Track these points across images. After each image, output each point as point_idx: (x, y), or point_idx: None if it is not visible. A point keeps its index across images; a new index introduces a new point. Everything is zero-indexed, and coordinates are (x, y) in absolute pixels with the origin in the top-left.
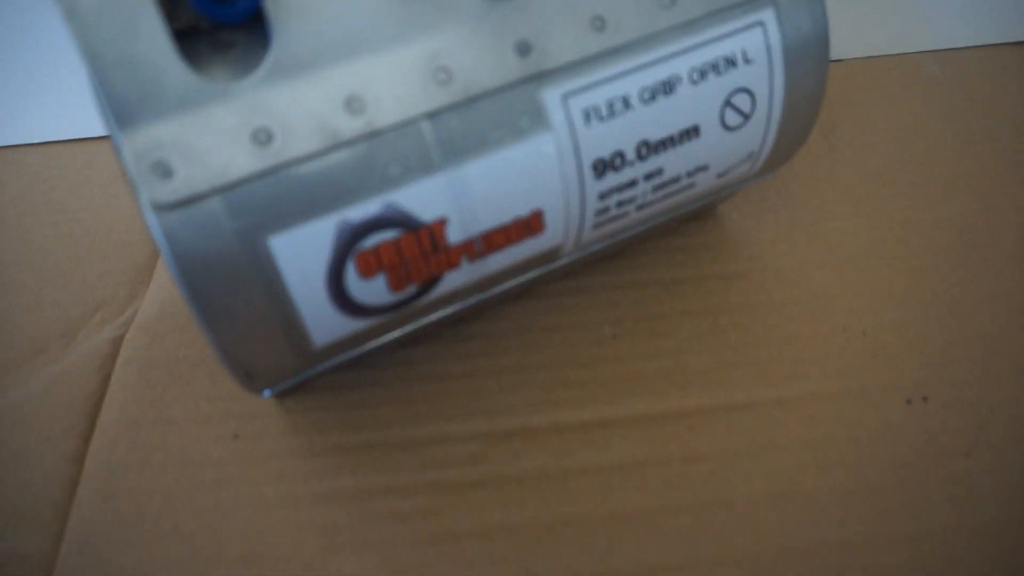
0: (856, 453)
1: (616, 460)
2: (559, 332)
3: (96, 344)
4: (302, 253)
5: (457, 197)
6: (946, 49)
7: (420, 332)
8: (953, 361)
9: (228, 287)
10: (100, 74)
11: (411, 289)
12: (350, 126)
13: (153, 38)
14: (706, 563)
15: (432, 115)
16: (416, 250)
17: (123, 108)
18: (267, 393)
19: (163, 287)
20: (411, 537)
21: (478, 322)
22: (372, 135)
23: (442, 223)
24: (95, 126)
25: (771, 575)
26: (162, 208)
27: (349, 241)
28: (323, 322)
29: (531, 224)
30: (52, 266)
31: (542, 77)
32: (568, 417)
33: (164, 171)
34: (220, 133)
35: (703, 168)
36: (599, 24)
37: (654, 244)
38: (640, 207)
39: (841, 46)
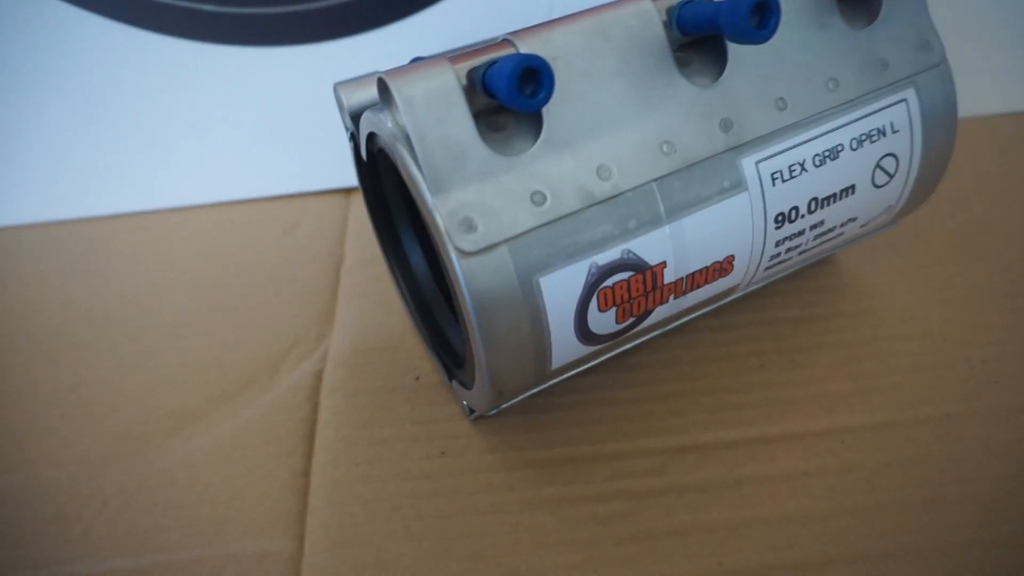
0: (992, 465)
1: (782, 470)
2: (712, 363)
3: (300, 377)
4: (561, 290)
5: (675, 245)
6: (1021, 112)
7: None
8: None
9: (506, 318)
10: (424, 152)
11: (630, 320)
12: (601, 189)
13: (462, 123)
14: (875, 557)
15: (660, 180)
16: (641, 288)
17: (439, 178)
18: (495, 410)
19: (347, 327)
20: (612, 537)
21: (636, 355)
22: (617, 196)
23: (662, 266)
24: (257, 188)
25: (928, 570)
26: (465, 255)
27: (596, 281)
28: (564, 348)
29: (724, 266)
30: (248, 311)
31: (740, 148)
32: (733, 435)
33: (469, 227)
34: (508, 196)
35: (853, 219)
36: (782, 105)
37: (783, 286)
38: (802, 252)
39: None
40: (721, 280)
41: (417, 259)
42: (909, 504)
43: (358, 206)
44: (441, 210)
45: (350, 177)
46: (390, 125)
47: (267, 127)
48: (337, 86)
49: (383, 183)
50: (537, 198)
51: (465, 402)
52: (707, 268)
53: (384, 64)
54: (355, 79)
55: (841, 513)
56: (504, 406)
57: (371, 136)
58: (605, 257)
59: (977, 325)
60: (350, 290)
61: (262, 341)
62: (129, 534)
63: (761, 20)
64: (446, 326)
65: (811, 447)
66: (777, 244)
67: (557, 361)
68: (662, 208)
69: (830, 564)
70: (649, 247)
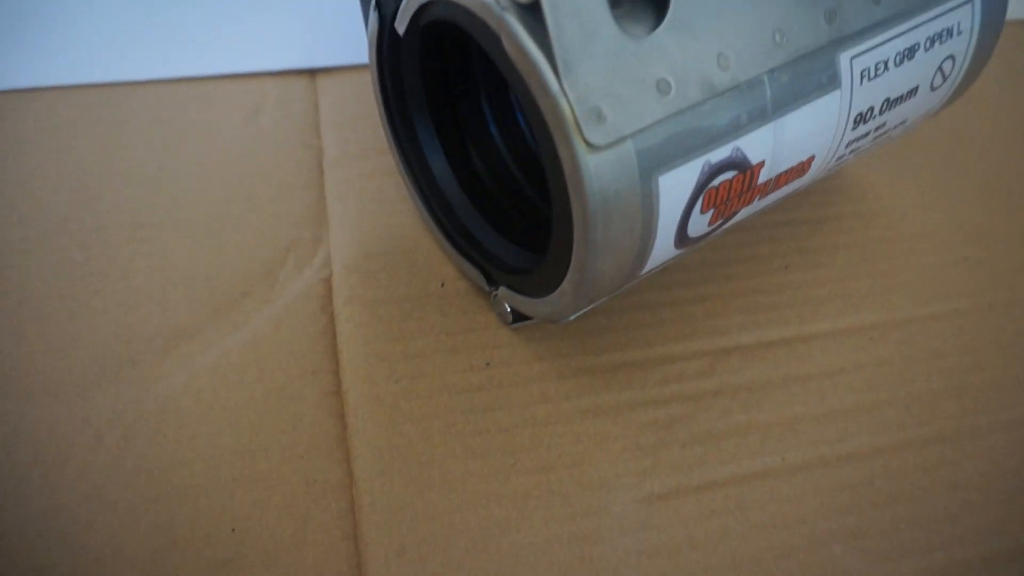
0: (1003, 355)
1: (822, 368)
2: (740, 264)
3: (305, 285)
4: (675, 191)
5: (775, 143)
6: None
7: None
8: None
9: (623, 222)
10: (556, 23)
11: (718, 223)
12: (721, 80)
13: None
14: (917, 443)
15: (771, 72)
16: (739, 189)
17: (568, 55)
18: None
19: (347, 228)
20: (676, 440)
21: None
22: (734, 88)
23: (760, 165)
24: (206, 64)
25: (964, 452)
26: (593, 149)
27: (706, 181)
28: (659, 253)
29: (803, 168)
30: (222, 209)
31: (840, 41)
32: (771, 335)
33: (598, 116)
34: (635, 83)
35: (903, 123)
36: None
37: None
38: (857, 154)
39: None
40: (795, 181)
41: (436, 156)
42: (938, 394)
43: (328, 91)
44: (570, 95)
45: (316, 57)
46: None
47: None
48: None
49: (402, 66)
50: (663, 86)
51: (508, 307)
52: (791, 169)
53: None
54: None
55: (881, 405)
56: (578, 314)
57: (425, 7)
58: (717, 155)
59: (966, 227)
60: (340, 187)
61: (248, 245)
62: (139, 471)
63: None
64: (477, 229)
65: (844, 344)
66: (847, 145)
67: (648, 266)
68: (769, 103)
69: (879, 452)
70: (754, 145)
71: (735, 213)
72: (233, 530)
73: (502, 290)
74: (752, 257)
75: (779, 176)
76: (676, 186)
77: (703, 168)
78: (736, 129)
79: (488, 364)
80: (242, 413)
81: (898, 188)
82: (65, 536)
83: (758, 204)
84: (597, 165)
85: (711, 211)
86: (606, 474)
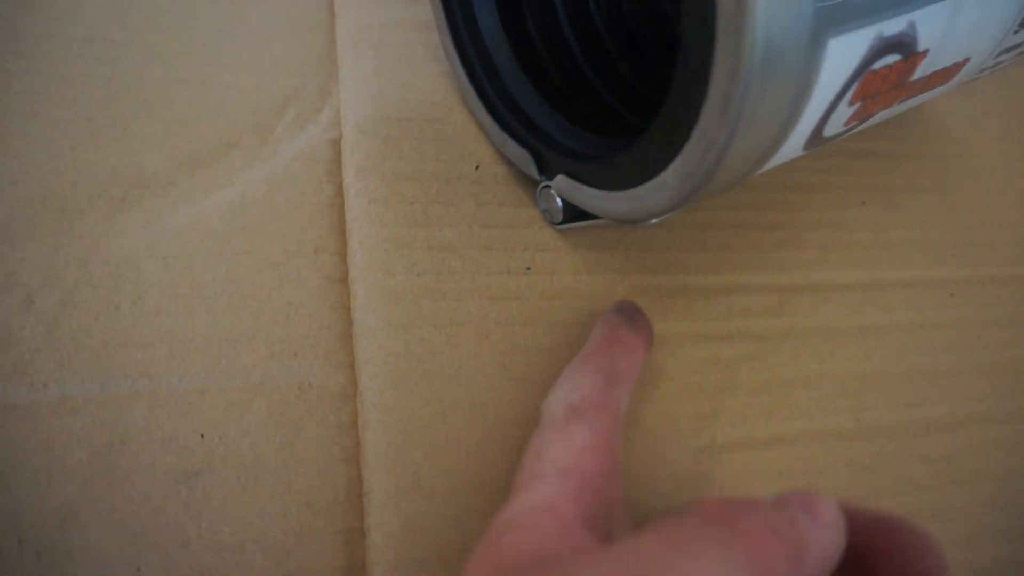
0: None
1: (899, 321)
2: (814, 193)
3: (308, 144)
4: (840, 62)
5: (946, 29)
6: None
7: None
8: None
9: (778, 89)
10: None
11: (853, 124)
12: None
13: None
14: (1001, 417)
15: None
16: (893, 81)
17: None
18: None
19: (363, 84)
20: (742, 385)
21: None
22: None
23: (923, 55)
24: None
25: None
26: None
27: (870, 59)
28: (789, 147)
29: (952, 72)
30: (205, 37)
31: None
32: (846, 277)
33: None
34: None
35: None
36: None
37: None
38: (996, 69)
39: None
40: (937, 88)
41: (486, 8)
42: (1021, 364)
43: None
44: None
45: None
46: None
47: None
48: None
49: None
50: None
51: (561, 202)
52: (944, 69)
53: None
54: None
55: (962, 371)
56: (659, 219)
57: None
58: (891, 27)
59: None
60: (355, 34)
61: (237, 86)
62: (78, 348)
63: None
64: (528, 104)
65: (923, 297)
66: (999, 54)
67: (770, 163)
68: None
69: (959, 424)
70: (928, 24)
71: (872, 116)
72: (202, 436)
73: (559, 180)
74: (827, 186)
75: (930, 76)
76: (843, 56)
77: (874, 40)
78: None
79: (529, 269)
80: (222, 290)
81: (979, 131)
82: None
83: (895, 109)
84: (768, 5)
85: (858, 104)
86: (661, 416)
